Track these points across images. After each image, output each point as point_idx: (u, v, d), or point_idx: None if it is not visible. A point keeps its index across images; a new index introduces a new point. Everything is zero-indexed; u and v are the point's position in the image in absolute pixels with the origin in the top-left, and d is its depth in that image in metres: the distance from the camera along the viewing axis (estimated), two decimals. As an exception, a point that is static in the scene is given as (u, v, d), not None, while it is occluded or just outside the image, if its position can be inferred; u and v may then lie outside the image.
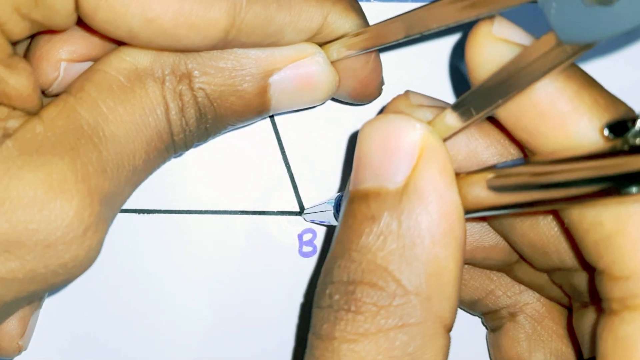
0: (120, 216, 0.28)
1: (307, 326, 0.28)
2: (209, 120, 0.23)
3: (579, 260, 0.22)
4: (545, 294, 0.26)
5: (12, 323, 0.25)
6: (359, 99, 0.25)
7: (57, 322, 0.28)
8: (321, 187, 0.29)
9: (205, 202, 0.29)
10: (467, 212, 0.19)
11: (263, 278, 0.29)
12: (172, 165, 0.28)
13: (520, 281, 0.26)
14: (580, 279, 0.22)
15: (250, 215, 0.29)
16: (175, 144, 0.22)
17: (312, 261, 0.29)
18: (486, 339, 0.29)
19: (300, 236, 0.29)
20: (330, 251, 0.19)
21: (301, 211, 0.29)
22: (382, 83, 0.26)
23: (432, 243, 0.18)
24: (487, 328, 0.28)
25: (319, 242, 0.29)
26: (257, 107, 0.23)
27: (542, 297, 0.26)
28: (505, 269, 0.26)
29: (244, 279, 0.28)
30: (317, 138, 0.29)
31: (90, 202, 0.19)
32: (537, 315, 0.26)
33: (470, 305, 0.27)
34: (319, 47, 0.23)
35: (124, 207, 0.28)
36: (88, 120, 0.20)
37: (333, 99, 0.27)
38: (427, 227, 0.18)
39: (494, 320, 0.27)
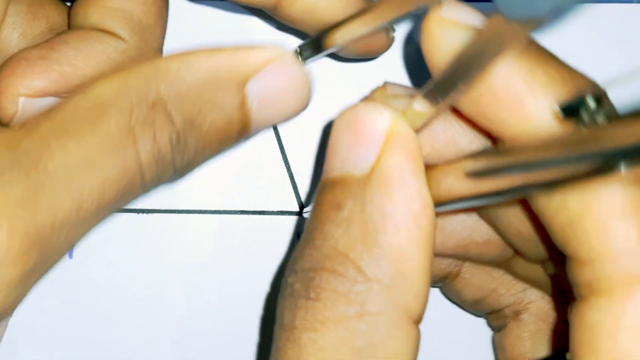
0: (119, 216, 0.28)
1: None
2: (189, 146, 0.22)
3: (548, 251, 0.22)
4: (545, 289, 0.25)
5: None
6: (372, 53, 0.25)
7: (56, 322, 0.28)
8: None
9: (205, 202, 0.28)
10: (444, 203, 0.19)
11: (263, 278, 0.28)
12: (172, 165, 0.28)
13: (519, 277, 0.26)
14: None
15: (250, 215, 0.28)
16: (144, 178, 0.21)
17: (312, 261, 0.29)
18: (492, 341, 0.29)
19: (300, 236, 0.29)
20: (299, 242, 0.19)
21: (301, 211, 0.29)
22: (392, 31, 0.25)
23: (394, 230, 0.17)
24: (492, 329, 0.28)
25: (319, 242, 0.29)
26: (238, 123, 0.22)
27: (547, 294, 0.26)
28: (502, 264, 0.25)
29: (244, 279, 0.28)
30: (317, 138, 0.29)
31: (6, 232, 0.18)
32: (541, 313, 0.25)
33: (473, 305, 0.27)
34: (285, 50, 0.23)
35: (124, 207, 0.28)
36: (29, 153, 0.19)
37: (341, 59, 0.27)
38: (390, 214, 0.17)
39: (498, 320, 0.27)
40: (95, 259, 0.28)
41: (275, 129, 0.28)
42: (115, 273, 0.28)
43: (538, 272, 0.24)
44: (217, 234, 0.29)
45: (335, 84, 0.29)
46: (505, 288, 0.26)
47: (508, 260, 0.25)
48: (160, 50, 0.25)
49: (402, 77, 0.29)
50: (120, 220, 0.28)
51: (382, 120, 0.18)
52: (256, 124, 0.23)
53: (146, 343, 0.29)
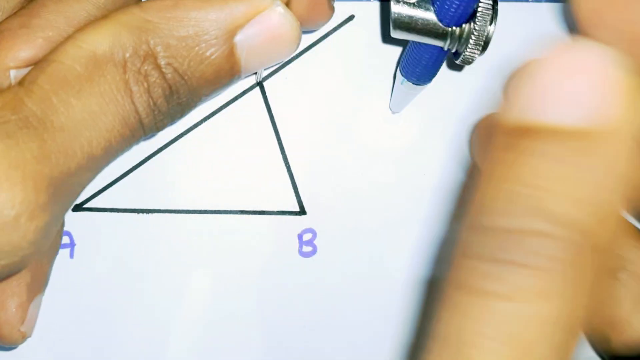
0: (120, 216, 0.28)
1: (307, 326, 0.28)
2: (181, 96, 0.23)
3: None
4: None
5: (10, 311, 0.25)
6: (312, 23, 0.25)
7: (56, 321, 0.28)
8: (321, 187, 0.29)
9: (205, 202, 0.28)
10: None
11: (263, 278, 0.28)
12: (172, 165, 0.28)
13: None
14: None
15: (250, 215, 0.28)
16: (144, 127, 0.22)
17: (312, 261, 0.29)
18: None
19: (300, 236, 0.29)
20: (475, 199, 0.16)
21: (301, 211, 0.29)
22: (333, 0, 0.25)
23: (617, 196, 0.15)
24: None
25: (319, 242, 0.29)
26: (228, 72, 0.23)
27: None
28: None
29: (244, 278, 0.28)
30: (317, 138, 0.29)
31: (23, 188, 0.19)
32: None
33: None
34: None
35: (124, 207, 0.28)
36: (35, 112, 0.20)
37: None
38: (621, 178, 0.15)
39: None
40: (96, 259, 0.28)
41: (275, 129, 0.28)
42: (115, 273, 0.28)
43: None
44: (217, 234, 0.29)
45: (334, 85, 0.29)
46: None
47: None
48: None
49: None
50: (120, 220, 0.28)
51: (619, 65, 0.15)
52: (245, 70, 0.23)
53: (146, 342, 0.29)
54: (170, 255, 0.28)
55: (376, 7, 0.28)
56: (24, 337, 0.25)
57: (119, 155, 0.22)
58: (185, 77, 0.22)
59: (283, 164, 0.29)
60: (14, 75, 0.22)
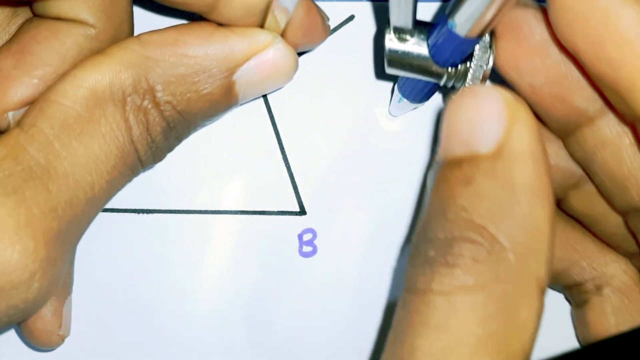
0: (119, 216, 0.28)
1: (307, 326, 0.28)
2: (179, 130, 0.23)
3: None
4: (598, 229, 0.25)
5: (47, 319, 0.25)
6: (308, 45, 0.25)
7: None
8: (321, 187, 0.29)
9: (204, 202, 0.28)
10: None
11: (263, 278, 0.28)
12: (172, 165, 0.28)
13: (573, 212, 0.25)
14: None
15: (250, 215, 0.28)
16: (142, 162, 0.22)
17: (312, 261, 0.29)
18: (571, 316, 0.28)
19: (300, 236, 0.29)
20: (422, 219, 0.19)
21: (301, 211, 0.29)
22: (327, 19, 0.25)
23: (528, 203, 0.18)
24: (570, 304, 0.27)
25: (319, 242, 0.29)
26: (226, 105, 0.23)
27: (629, 268, 0.25)
28: (560, 195, 0.25)
29: (244, 279, 0.28)
30: (317, 138, 0.29)
31: (35, 247, 0.19)
32: (624, 288, 0.25)
33: (554, 278, 0.26)
34: (274, 33, 0.23)
35: (124, 207, 0.28)
36: (38, 160, 0.20)
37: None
38: (523, 187, 0.18)
39: (579, 295, 0.26)
40: (95, 259, 0.28)
41: (275, 129, 0.28)
42: (115, 273, 0.28)
43: (596, 209, 0.24)
44: (217, 234, 0.29)
45: (335, 85, 0.29)
46: (588, 261, 0.26)
47: (567, 191, 0.25)
48: (131, 24, 0.24)
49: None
50: (120, 220, 0.28)
51: (501, 99, 0.19)
52: (241, 101, 0.24)
53: (145, 342, 0.29)
54: (170, 255, 0.28)
55: (376, 7, 0.28)
56: (63, 339, 0.26)
57: (116, 192, 0.22)
58: (183, 114, 0.22)
59: (283, 164, 0.29)
60: (12, 116, 0.22)
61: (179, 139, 0.23)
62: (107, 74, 0.21)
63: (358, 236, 0.29)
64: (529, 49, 0.22)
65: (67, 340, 0.28)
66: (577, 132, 0.23)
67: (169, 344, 0.28)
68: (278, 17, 0.23)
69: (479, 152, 0.19)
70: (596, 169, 0.23)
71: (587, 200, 0.25)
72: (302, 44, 0.25)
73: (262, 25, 0.23)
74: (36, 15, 0.23)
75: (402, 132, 0.29)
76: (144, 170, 0.23)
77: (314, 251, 0.29)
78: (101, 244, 0.28)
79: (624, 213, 0.24)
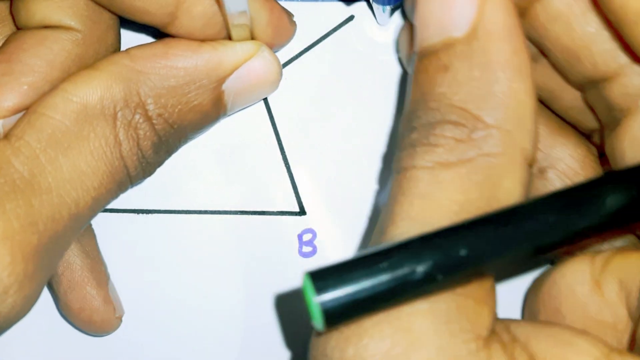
0: (119, 216, 0.28)
1: (307, 326, 0.28)
2: (169, 143, 0.23)
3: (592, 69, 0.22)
4: (556, 105, 0.25)
5: (101, 310, 0.26)
6: (278, 44, 0.26)
7: (55, 322, 0.28)
8: (321, 187, 0.29)
9: (205, 202, 0.28)
10: None
11: (262, 278, 0.28)
12: (172, 165, 0.28)
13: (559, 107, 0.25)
14: (612, 90, 0.21)
15: (250, 215, 0.28)
16: (131, 178, 0.22)
17: (312, 261, 0.29)
18: None
19: (300, 236, 0.29)
20: (404, 111, 0.20)
21: (301, 211, 0.29)
22: (292, 16, 0.26)
23: (507, 79, 0.18)
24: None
25: (318, 242, 0.29)
26: (215, 115, 0.24)
27: (576, 152, 0.25)
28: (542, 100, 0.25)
29: (244, 279, 0.28)
30: (317, 138, 0.29)
31: (11, 261, 0.19)
32: (569, 171, 0.25)
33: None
34: (259, 42, 0.24)
35: (124, 207, 0.28)
36: (22, 173, 0.20)
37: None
38: (502, 64, 0.18)
39: None
40: (96, 259, 0.28)
41: (275, 129, 0.28)
42: (115, 273, 0.28)
43: (577, 104, 0.24)
44: (217, 234, 0.29)
45: (334, 85, 0.29)
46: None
47: (547, 95, 0.24)
48: (117, 31, 0.24)
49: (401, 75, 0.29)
50: (120, 220, 0.28)
51: None
52: (230, 110, 0.24)
53: (145, 342, 0.29)
54: (170, 255, 0.28)
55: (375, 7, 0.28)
56: (121, 319, 0.27)
57: (98, 212, 0.22)
58: (175, 126, 0.22)
59: (283, 164, 0.29)
60: (2, 124, 0.22)
61: (169, 153, 0.23)
62: (98, 87, 0.21)
63: (358, 236, 0.29)
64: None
65: (67, 339, 0.28)
66: (528, 9, 0.22)
67: (168, 344, 0.28)
68: (237, 23, 0.23)
69: (454, 37, 0.19)
70: (549, 45, 0.22)
71: (542, 76, 0.24)
72: (273, 43, 0.25)
73: (228, 36, 0.24)
74: (20, 29, 0.23)
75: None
76: (132, 186, 0.23)
77: (314, 251, 0.29)
78: (101, 244, 0.28)
79: (581, 87, 0.23)
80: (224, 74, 0.23)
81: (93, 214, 0.22)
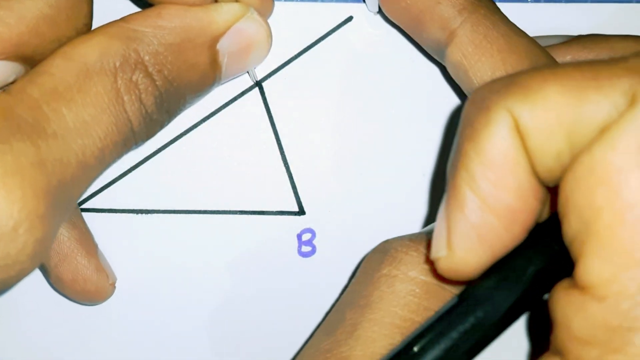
0: (119, 216, 0.28)
1: (307, 326, 0.28)
2: (170, 102, 0.23)
3: None
4: None
5: (95, 278, 0.27)
6: (264, 12, 0.26)
7: (55, 322, 0.29)
8: (320, 187, 0.29)
9: (204, 202, 0.29)
10: None
11: (262, 278, 0.29)
12: (172, 166, 0.28)
13: None
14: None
15: (249, 215, 0.29)
16: (135, 135, 0.22)
17: (311, 261, 0.29)
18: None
19: (299, 236, 0.29)
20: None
21: (300, 211, 0.29)
22: None
23: None
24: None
25: (318, 242, 0.29)
26: (212, 77, 0.24)
27: None
28: None
29: (243, 278, 0.29)
30: (316, 138, 0.29)
31: (22, 196, 0.18)
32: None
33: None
34: (248, 6, 0.24)
35: (123, 207, 0.28)
36: (27, 119, 0.19)
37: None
38: None
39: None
40: (96, 259, 0.28)
41: (274, 129, 0.29)
42: (115, 273, 0.28)
43: None
44: (217, 234, 0.29)
45: (333, 85, 0.29)
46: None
47: None
48: (90, 5, 0.24)
49: (402, 76, 0.29)
50: (120, 220, 0.28)
51: None
52: (226, 75, 0.24)
53: (144, 342, 0.29)
54: (170, 255, 0.29)
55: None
56: (114, 286, 0.28)
57: (110, 165, 0.22)
58: (175, 83, 0.23)
59: (282, 164, 0.29)
60: None
61: (169, 114, 0.23)
62: (97, 46, 0.21)
63: (357, 236, 0.29)
64: None
65: (66, 338, 0.28)
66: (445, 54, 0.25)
67: (167, 343, 0.29)
68: None
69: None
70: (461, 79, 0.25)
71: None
72: (259, 9, 0.25)
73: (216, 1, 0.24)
74: None
75: (401, 132, 0.29)
76: (136, 146, 0.23)
77: (313, 251, 0.29)
78: (101, 244, 0.28)
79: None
80: (217, 32, 0.23)
81: (101, 167, 0.22)
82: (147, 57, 0.22)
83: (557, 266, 0.18)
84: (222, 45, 0.24)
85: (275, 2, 0.27)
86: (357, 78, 0.29)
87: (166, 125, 0.24)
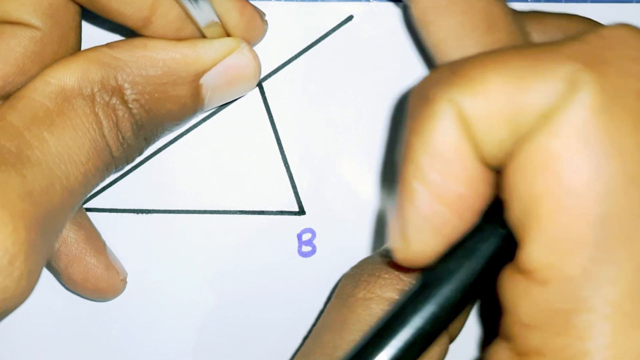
0: (119, 216, 0.28)
1: (307, 326, 0.29)
2: (147, 130, 0.23)
3: None
4: None
5: (105, 277, 0.27)
6: (250, 41, 0.26)
7: (55, 322, 0.29)
8: (320, 187, 0.29)
9: (204, 202, 0.29)
10: None
11: (262, 278, 0.29)
12: (172, 165, 0.28)
13: None
14: None
15: (249, 215, 0.29)
16: (115, 159, 0.22)
17: (311, 261, 0.29)
18: None
19: (299, 236, 0.29)
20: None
21: (300, 211, 0.29)
22: (263, 15, 0.26)
23: None
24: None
25: (318, 242, 0.29)
26: (192, 108, 0.24)
27: None
28: None
29: (243, 278, 0.29)
30: (317, 138, 0.29)
31: (14, 229, 0.18)
32: None
33: None
34: (239, 39, 0.24)
35: (123, 207, 0.28)
36: (9, 148, 0.19)
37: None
38: None
39: None
40: (96, 259, 0.28)
41: (274, 129, 0.29)
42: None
43: None
44: (217, 234, 0.29)
45: (333, 85, 0.29)
46: None
47: None
48: (78, 34, 0.24)
49: (401, 76, 0.29)
50: (120, 220, 0.28)
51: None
52: (208, 105, 0.24)
53: (144, 342, 0.29)
54: (170, 255, 0.29)
55: (375, 7, 0.28)
56: (125, 281, 0.28)
57: (93, 189, 0.22)
58: (151, 113, 0.23)
59: (282, 164, 0.29)
60: None
61: (147, 141, 0.24)
62: (75, 71, 0.21)
63: (357, 236, 0.29)
64: None
65: (66, 338, 0.28)
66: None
67: (167, 343, 0.29)
68: (208, 28, 0.23)
69: None
70: None
71: None
72: (246, 40, 0.25)
73: (203, 35, 0.24)
74: None
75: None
76: (115, 171, 0.23)
77: (313, 251, 0.29)
78: (101, 244, 0.28)
79: None
80: (202, 69, 0.23)
81: (85, 191, 0.22)
82: (125, 85, 0.22)
83: (506, 250, 0.18)
84: (206, 80, 0.24)
85: (276, 2, 0.27)
86: (357, 78, 0.29)
87: (144, 150, 0.24)
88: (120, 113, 0.22)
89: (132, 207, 0.28)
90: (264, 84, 0.28)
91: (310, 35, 0.28)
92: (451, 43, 0.23)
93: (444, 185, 0.18)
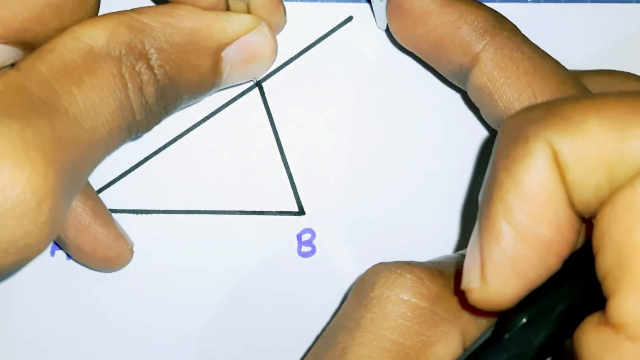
0: (119, 216, 0.28)
1: (306, 326, 0.29)
2: (168, 98, 0.23)
3: None
4: None
5: (115, 246, 0.27)
6: (272, 26, 0.26)
7: (55, 322, 0.29)
8: (320, 187, 0.29)
9: (204, 202, 0.29)
10: None
11: (261, 278, 0.29)
12: (172, 166, 0.28)
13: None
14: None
15: (249, 215, 0.29)
16: (137, 123, 0.22)
17: (311, 261, 0.29)
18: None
19: (299, 236, 0.29)
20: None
21: (300, 211, 0.29)
22: (285, 9, 0.27)
23: None
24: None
25: (317, 242, 0.29)
26: (211, 82, 0.24)
27: None
28: None
29: (243, 279, 0.29)
30: (316, 138, 0.29)
31: (45, 172, 0.18)
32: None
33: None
34: (261, 18, 0.24)
35: (123, 207, 0.28)
36: (39, 96, 0.19)
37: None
38: None
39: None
40: (96, 259, 0.28)
41: (274, 129, 0.29)
42: (115, 273, 0.28)
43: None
44: (217, 234, 0.29)
45: (333, 85, 0.29)
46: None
47: None
48: None
49: (398, 77, 0.29)
50: (120, 220, 0.28)
51: None
52: (225, 82, 0.25)
53: (145, 342, 0.29)
54: (170, 255, 0.29)
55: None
56: (132, 251, 0.28)
57: (114, 150, 0.22)
58: (173, 81, 0.23)
59: (282, 164, 0.29)
60: None
61: (166, 110, 0.24)
62: (105, 31, 0.21)
63: (357, 236, 0.29)
64: (411, 21, 0.24)
65: (66, 338, 0.28)
66: (468, 78, 0.25)
67: (167, 343, 0.29)
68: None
69: None
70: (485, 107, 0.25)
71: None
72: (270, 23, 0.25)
73: (228, 8, 0.24)
74: None
75: (401, 132, 0.29)
76: (136, 136, 0.23)
77: (313, 251, 0.29)
78: (101, 244, 0.28)
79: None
80: (224, 40, 0.23)
81: (107, 149, 0.22)
82: (151, 51, 0.22)
83: (588, 300, 0.18)
84: (227, 54, 0.24)
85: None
86: (357, 78, 0.29)
87: (162, 120, 0.24)
88: (145, 77, 0.22)
89: (132, 207, 0.29)
90: (264, 84, 0.28)
91: (310, 36, 0.29)
92: (520, 106, 0.23)
93: (531, 227, 0.17)
